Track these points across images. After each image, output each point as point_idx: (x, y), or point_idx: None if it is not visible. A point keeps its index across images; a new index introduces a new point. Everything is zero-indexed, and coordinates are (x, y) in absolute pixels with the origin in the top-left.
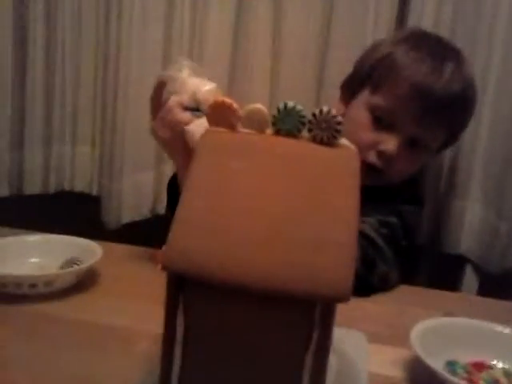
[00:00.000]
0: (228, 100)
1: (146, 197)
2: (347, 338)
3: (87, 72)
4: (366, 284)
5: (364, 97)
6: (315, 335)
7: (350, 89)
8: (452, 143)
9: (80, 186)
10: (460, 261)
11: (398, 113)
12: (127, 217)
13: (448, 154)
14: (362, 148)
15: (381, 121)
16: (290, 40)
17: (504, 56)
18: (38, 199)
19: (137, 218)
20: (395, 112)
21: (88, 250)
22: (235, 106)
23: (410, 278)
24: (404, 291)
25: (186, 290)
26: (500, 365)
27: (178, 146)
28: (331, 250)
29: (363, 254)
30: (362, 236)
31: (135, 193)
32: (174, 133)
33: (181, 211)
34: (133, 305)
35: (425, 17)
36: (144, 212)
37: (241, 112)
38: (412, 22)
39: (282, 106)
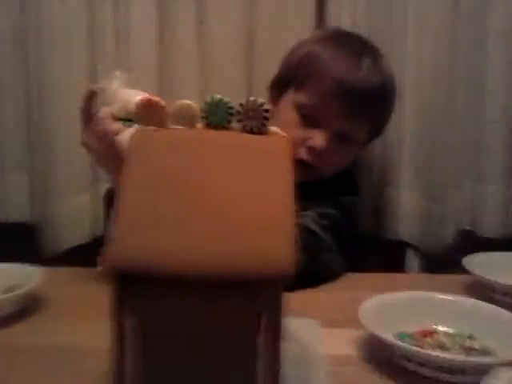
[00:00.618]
0: (155, 98)
1: (84, 220)
2: (300, 326)
3: (8, 93)
4: (312, 275)
5: (290, 96)
6: (264, 318)
7: (277, 89)
8: (378, 134)
9: (13, 215)
10: (401, 245)
11: (322, 109)
12: (66, 242)
13: (377, 145)
14: (292, 146)
15: (307, 118)
16: (215, 44)
17: (418, 51)
18: None
19: (76, 243)
20: (319, 108)
21: (28, 276)
22: (162, 103)
23: (358, 266)
24: (352, 278)
25: (131, 288)
26: (441, 328)
27: (110, 156)
28: (271, 232)
29: (306, 246)
30: (304, 229)
31: (72, 216)
32: (105, 143)
33: (118, 211)
34: (80, 324)
35: (342, 18)
36: (84, 235)
37: (169, 109)
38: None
39: (209, 99)
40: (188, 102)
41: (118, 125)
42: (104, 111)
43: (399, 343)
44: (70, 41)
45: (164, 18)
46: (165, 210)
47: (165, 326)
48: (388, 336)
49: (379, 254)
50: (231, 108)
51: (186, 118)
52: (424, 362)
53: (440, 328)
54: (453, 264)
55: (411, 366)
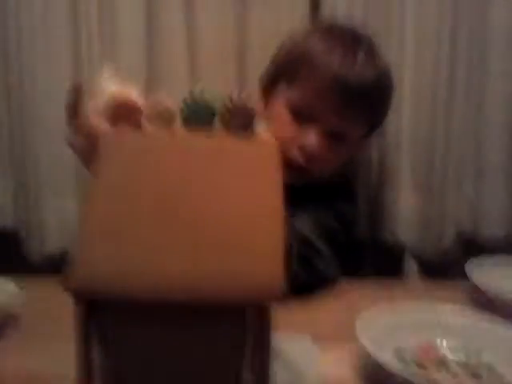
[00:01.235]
0: (127, 92)
1: (69, 223)
2: (291, 344)
3: None
4: (306, 285)
5: (281, 92)
6: (249, 343)
7: (268, 84)
8: (374, 131)
9: None
10: (400, 249)
11: (315, 105)
12: (51, 247)
13: (374, 145)
14: (284, 144)
15: (300, 115)
16: (206, 40)
17: (417, 42)
18: None
19: (62, 248)
20: (312, 105)
21: (3, 291)
22: (136, 101)
23: (354, 272)
24: (346, 287)
25: (98, 314)
26: (444, 343)
27: (96, 155)
28: (257, 250)
29: (300, 254)
30: (298, 237)
31: (57, 221)
32: (91, 141)
33: (83, 225)
34: (53, 346)
35: (338, 10)
36: (69, 240)
37: (145, 108)
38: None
39: (188, 95)
40: (163, 98)
41: (104, 122)
42: (91, 107)
43: (401, 372)
44: (52, 34)
45: (152, 13)
46: (136, 224)
47: (137, 354)
48: (387, 352)
49: (376, 258)
50: (213, 106)
51: (163, 117)
52: None
53: (442, 342)
54: (453, 267)
55: None
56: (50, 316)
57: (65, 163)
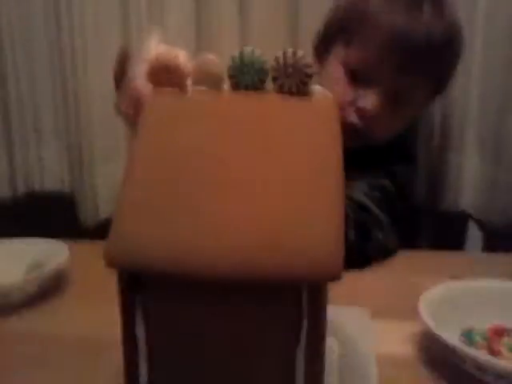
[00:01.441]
0: (172, 54)
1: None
2: (348, 318)
3: (42, 62)
4: (363, 255)
5: (338, 52)
6: (305, 324)
7: (323, 46)
8: (439, 94)
9: (50, 184)
10: (462, 217)
11: (376, 65)
12: (105, 211)
13: (439, 105)
14: (340, 106)
15: (358, 75)
16: (257, 4)
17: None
18: (7, 203)
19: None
20: (374, 65)
21: (53, 252)
22: (180, 61)
23: (411, 241)
24: (405, 258)
25: (143, 290)
26: None
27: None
28: (313, 222)
29: (356, 221)
30: (353, 202)
31: (110, 185)
32: (138, 107)
33: (124, 195)
34: (102, 311)
35: None
36: None
37: (190, 67)
38: None
39: (237, 54)
40: (210, 57)
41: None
42: (138, 71)
43: (467, 349)
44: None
45: None
46: (180, 193)
47: (185, 335)
48: (453, 334)
49: (437, 228)
50: (264, 64)
51: (209, 77)
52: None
53: None
54: None
55: (482, 376)
56: (100, 280)
57: (117, 129)
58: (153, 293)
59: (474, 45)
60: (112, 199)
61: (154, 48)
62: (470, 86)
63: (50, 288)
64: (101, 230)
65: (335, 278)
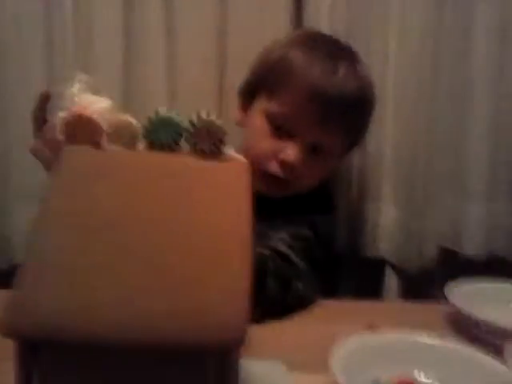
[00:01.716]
0: (87, 113)
1: None
2: (263, 371)
3: None
4: (282, 305)
5: (261, 103)
6: None
7: (247, 95)
8: (356, 145)
9: None
10: (380, 264)
11: (295, 118)
12: (19, 257)
13: (356, 157)
14: (263, 158)
15: (280, 128)
16: (185, 42)
17: (399, 55)
18: None
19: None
20: (292, 118)
21: None
22: (96, 119)
23: (332, 289)
24: (324, 307)
25: (40, 357)
26: (422, 377)
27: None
28: (218, 284)
29: (277, 272)
30: (274, 252)
31: (26, 228)
32: (57, 154)
33: (28, 254)
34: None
35: (320, 19)
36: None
37: (105, 125)
38: (307, 24)
39: (153, 114)
40: (127, 116)
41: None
42: (59, 117)
43: None
44: (25, 43)
45: (130, 19)
46: (86, 256)
47: None
48: None
49: (356, 274)
50: (179, 125)
51: (125, 136)
52: None
53: (420, 376)
54: (433, 284)
55: None
56: None
57: (35, 169)
58: (50, 360)
59: (386, 103)
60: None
61: (78, 94)
62: (383, 140)
63: None
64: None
65: (237, 344)
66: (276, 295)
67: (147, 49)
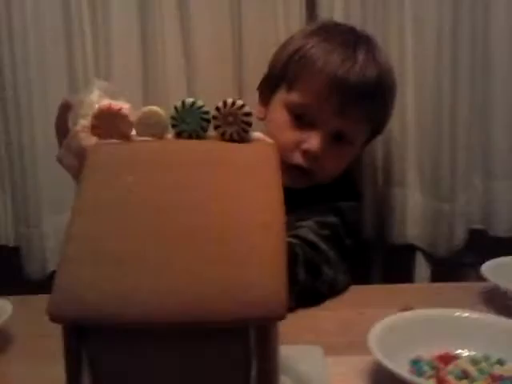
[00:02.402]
0: (115, 105)
1: None
2: (301, 356)
3: None
4: (314, 292)
5: (281, 96)
6: (254, 364)
7: (267, 89)
8: (378, 133)
9: None
10: (410, 250)
11: (316, 108)
12: (53, 264)
13: (380, 142)
14: (286, 149)
15: (301, 118)
16: (201, 44)
17: (416, 41)
18: None
19: None
20: (313, 107)
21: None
22: (124, 111)
23: (362, 276)
24: (356, 292)
25: (88, 341)
26: (466, 353)
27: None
28: (256, 262)
29: (306, 260)
30: (302, 241)
31: (58, 236)
32: (79, 158)
33: (68, 244)
34: (47, 369)
35: (334, 15)
36: None
37: (133, 117)
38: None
39: (179, 104)
40: (154, 107)
41: (96, 140)
42: (80, 125)
43: (414, 378)
44: (46, 51)
45: (146, 24)
46: (125, 242)
47: (132, 380)
48: (402, 364)
49: (386, 261)
50: (206, 113)
51: (153, 127)
52: None
53: (462, 352)
54: (465, 266)
55: None
56: (46, 336)
57: (64, 179)
58: (100, 344)
59: (406, 87)
60: (60, 251)
61: (97, 101)
62: (406, 124)
63: None
64: (48, 284)
65: (279, 316)
66: (307, 283)
67: (164, 52)
